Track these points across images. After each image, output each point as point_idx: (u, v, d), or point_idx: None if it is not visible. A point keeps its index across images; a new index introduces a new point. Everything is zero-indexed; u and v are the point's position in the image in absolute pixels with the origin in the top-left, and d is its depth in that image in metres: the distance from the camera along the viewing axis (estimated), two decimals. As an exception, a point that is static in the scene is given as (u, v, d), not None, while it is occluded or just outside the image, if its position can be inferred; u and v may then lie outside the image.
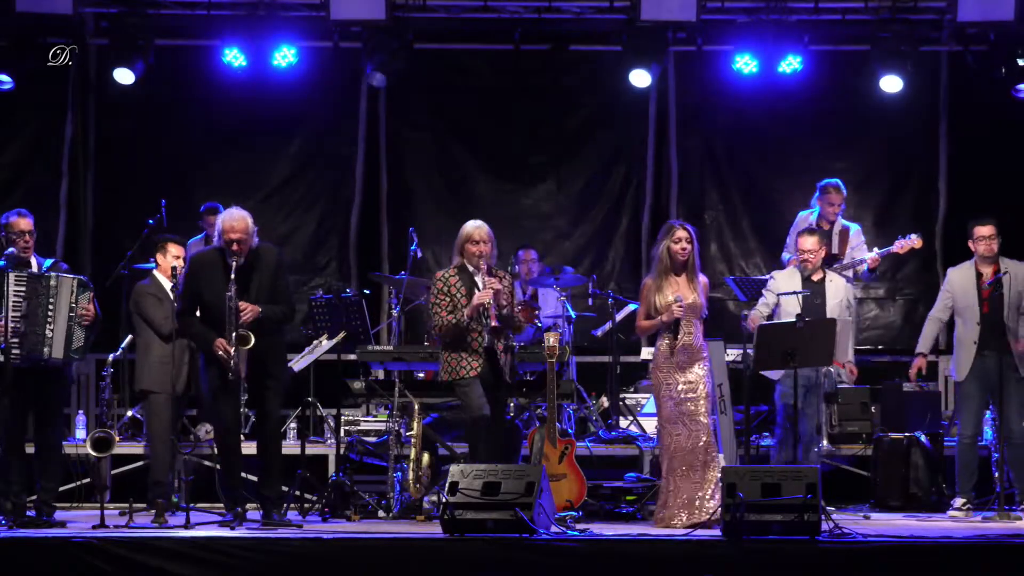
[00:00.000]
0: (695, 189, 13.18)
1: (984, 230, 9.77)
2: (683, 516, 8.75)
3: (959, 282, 9.84)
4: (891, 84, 12.03)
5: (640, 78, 12.19)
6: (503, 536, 7.85)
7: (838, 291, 9.96)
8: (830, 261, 11.30)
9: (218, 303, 8.70)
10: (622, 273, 13.22)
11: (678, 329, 8.86)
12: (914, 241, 11.28)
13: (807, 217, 11.58)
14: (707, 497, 8.75)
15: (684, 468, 8.81)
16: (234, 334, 8.61)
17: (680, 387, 8.89)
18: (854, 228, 11.47)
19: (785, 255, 11.47)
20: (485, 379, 9.04)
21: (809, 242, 10.01)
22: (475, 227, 9.15)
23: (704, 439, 8.84)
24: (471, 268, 9.10)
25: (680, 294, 8.84)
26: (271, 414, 8.94)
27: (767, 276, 10.48)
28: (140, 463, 10.54)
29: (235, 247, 8.69)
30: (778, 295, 9.85)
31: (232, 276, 8.64)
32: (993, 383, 9.65)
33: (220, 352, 8.63)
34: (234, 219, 8.74)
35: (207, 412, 9.81)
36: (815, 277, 9.98)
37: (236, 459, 8.92)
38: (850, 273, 11.36)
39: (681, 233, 8.93)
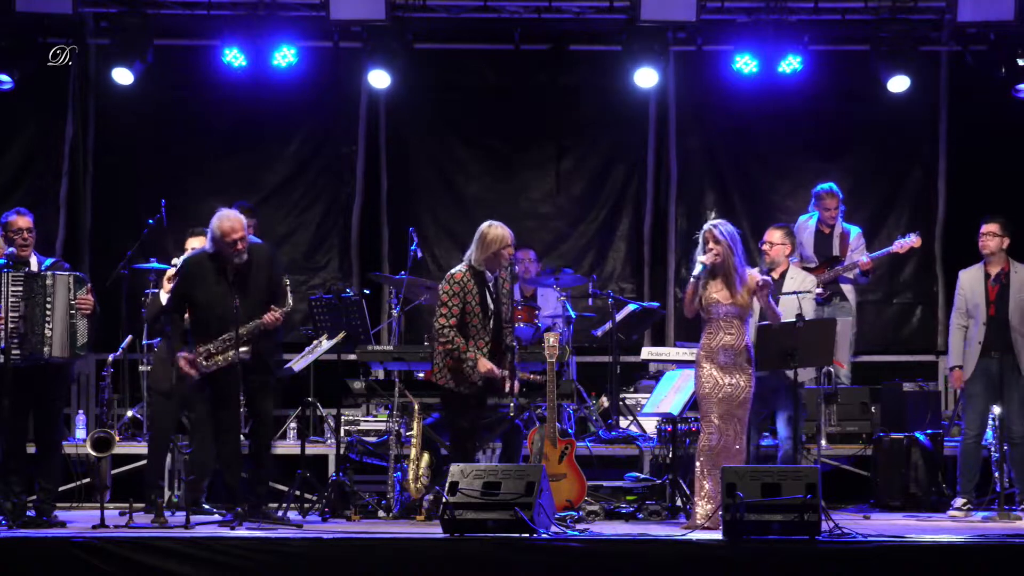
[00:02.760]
0: (695, 189, 13.17)
1: (985, 227, 9.78)
2: (707, 513, 8.68)
3: (968, 282, 9.85)
4: (898, 84, 12.01)
5: (645, 78, 12.18)
6: (503, 536, 7.85)
7: (794, 288, 9.87)
8: (832, 263, 11.33)
9: (213, 305, 8.79)
10: (622, 274, 13.22)
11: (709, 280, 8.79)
12: (914, 240, 11.30)
13: (806, 222, 11.60)
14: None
15: (711, 468, 8.75)
16: (235, 337, 8.69)
17: (716, 384, 8.80)
18: (855, 231, 11.48)
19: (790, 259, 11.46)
20: (483, 389, 9.07)
21: (776, 235, 9.98)
22: (506, 231, 9.09)
23: (735, 446, 8.77)
24: (489, 273, 9.08)
25: (704, 261, 8.77)
26: (265, 413, 8.97)
27: None
28: (140, 463, 10.53)
29: (239, 246, 8.77)
30: (780, 295, 9.84)
31: (231, 279, 8.78)
32: (1000, 383, 9.65)
33: (182, 364, 8.70)
34: (233, 220, 8.79)
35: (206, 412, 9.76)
36: (776, 273, 9.95)
37: (235, 459, 8.92)
38: (850, 275, 11.37)
39: (706, 235, 8.82)
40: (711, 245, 8.81)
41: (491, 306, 9.05)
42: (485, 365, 8.98)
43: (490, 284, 9.10)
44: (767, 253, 9.97)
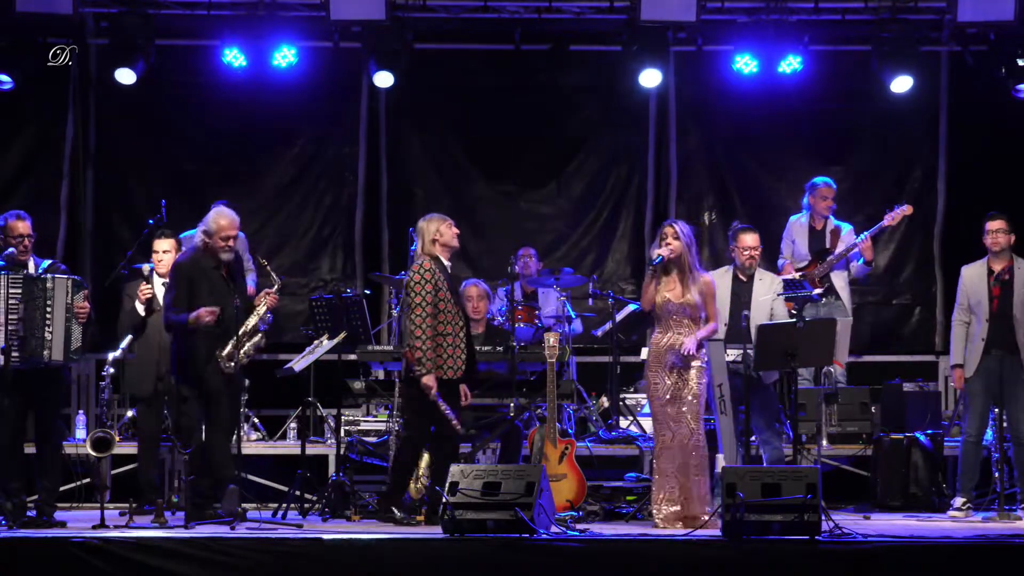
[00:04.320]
0: (695, 190, 13.18)
1: (992, 224, 9.76)
2: (665, 513, 8.75)
3: (970, 279, 9.83)
4: (901, 85, 12.02)
5: (649, 78, 12.17)
6: (503, 536, 7.85)
7: (765, 290, 9.86)
8: (822, 256, 11.33)
9: (220, 304, 8.87)
10: (623, 274, 13.21)
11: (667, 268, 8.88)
12: (905, 209, 11.33)
13: (798, 221, 11.59)
14: (692, 500, 8.73)
15: (668, 467, 8.82)
16: (242, 334, 8.81)
17: (665, 389, 8.87)
18: (846, 227, 11.48)
19: (780, 260, 11.46)
20: (461, 380, 9.11)
21: (750, 239, 9.95)
22: (439, 216, 9.19)
23: (689, 442, 8.81)
24: (445, 261, 9.11)
25: (662, 253, 8.86)
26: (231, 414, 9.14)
27: None
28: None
29: (231, 243, 8.98)
30: (777, 295, 9.85)
31: (225, 274, 8.97)
32: (1000, 382, 9.64)
33: (207, 317, 8.82)
34: (231, 218, 9.01)
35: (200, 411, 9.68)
36: (745, 275, 9.94)
37: (227, 458, 8.93)
38: (845, 273, 11.35)
39: (666, 230, 8.93)
40: (670, 240, 8.88)
41: (455, 295, 9.10)
42: (431, 381, 8.87)
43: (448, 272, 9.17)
44: (752, 259, 9.90)
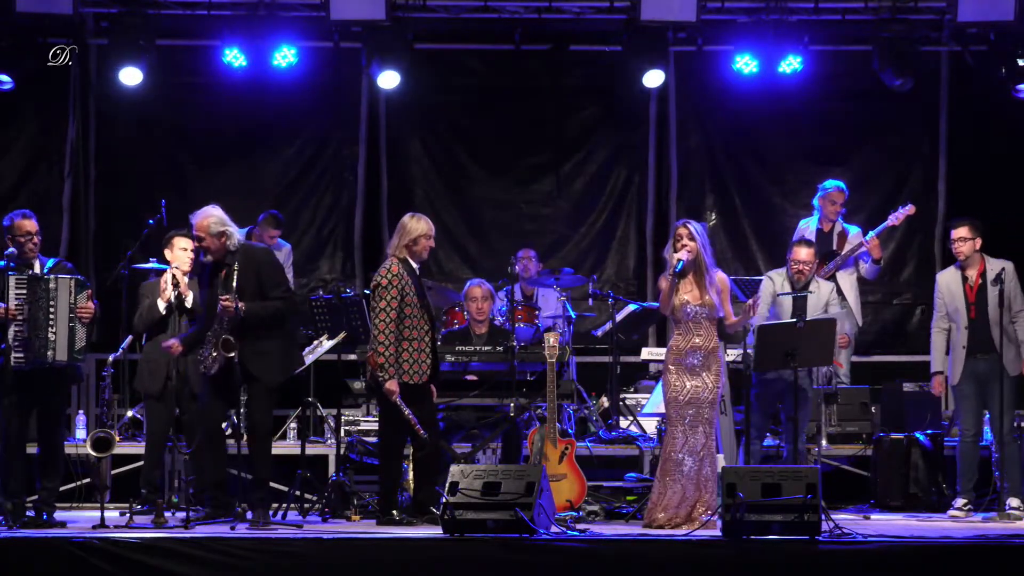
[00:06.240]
0: (695, 190, 13.18)
1: (953, 232, 9.77)
2: (664, 517, 8.71)
3: (946, 285, 9.82)
4: (901, 84, 12.02)
5: (652, 78, 12.18)
6: (503, 536, 7.85)
7: (821, 298, 10.02)
8: (829, 256, 11.34)
9: (205, 307, 8.82)
10: (623, 274, 13.21)
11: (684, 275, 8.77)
12: (909, 209, 11.38)
13: (807, 224, 11.58)
14: (695, 506, 8.71)
15: (673, 471, 8.78)
16: (221, 337, 8.63)
17: (685, 392, 8.78)
18: (854, 230, 11.48)
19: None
20: (425, 384, 9.03)
21: (804, 253, 10.00)
22: (428, 224, 9.08)
23: (702, 451, 8.75)
24: (413, 263, 9.04)
25: (682, 258, 8.75)
26: (251, 417, 8.82)
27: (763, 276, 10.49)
28: (140, 463, 10.53)
29: (201, 241, 8.79)
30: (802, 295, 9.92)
31: (222, 275, 8.75)
32: (987, 383, 9.64)
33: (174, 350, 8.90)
34: (196, 216, 8.81)
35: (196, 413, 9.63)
36: (797, 287, 9.99)
37: (221, 461, 8.90)
38: (853, 276, 11.35)
39: (680, 231, 8.81)
40: (685, 242, 8.78)
41: (421, 299, 9.03)
42: (394, 387, 8.83)
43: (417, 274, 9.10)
44: (800, 273, 9.99)
